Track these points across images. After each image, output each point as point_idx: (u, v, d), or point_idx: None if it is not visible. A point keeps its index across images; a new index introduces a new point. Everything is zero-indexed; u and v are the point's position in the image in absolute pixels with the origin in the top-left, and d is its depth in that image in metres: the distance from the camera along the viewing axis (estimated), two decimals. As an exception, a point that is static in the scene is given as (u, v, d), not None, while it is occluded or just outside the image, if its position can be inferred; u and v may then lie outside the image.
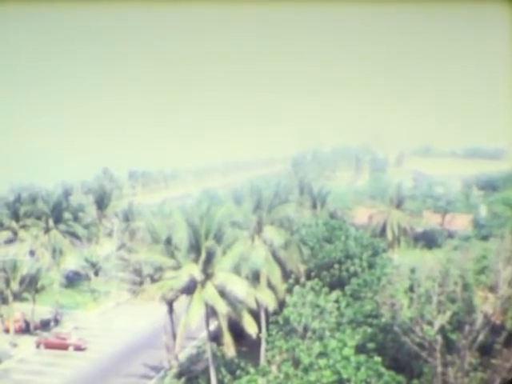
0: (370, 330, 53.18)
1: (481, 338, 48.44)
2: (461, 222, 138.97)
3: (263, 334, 57.11)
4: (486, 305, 49.94)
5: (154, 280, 54.35)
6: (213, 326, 55.00)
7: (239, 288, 45.25)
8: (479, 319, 48.21)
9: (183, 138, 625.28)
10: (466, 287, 50.48)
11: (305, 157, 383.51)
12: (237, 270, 48.47)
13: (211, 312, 47.69)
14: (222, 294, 45.61)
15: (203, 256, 46.82)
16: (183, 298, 49.14)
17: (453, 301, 49.59)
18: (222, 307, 44.72)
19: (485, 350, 50.01)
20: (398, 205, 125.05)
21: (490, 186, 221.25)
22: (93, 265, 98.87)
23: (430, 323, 48.24)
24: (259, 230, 59.18)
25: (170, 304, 58.86)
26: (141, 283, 62.84)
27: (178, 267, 47.58)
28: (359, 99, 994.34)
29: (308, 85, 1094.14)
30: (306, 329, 51.63)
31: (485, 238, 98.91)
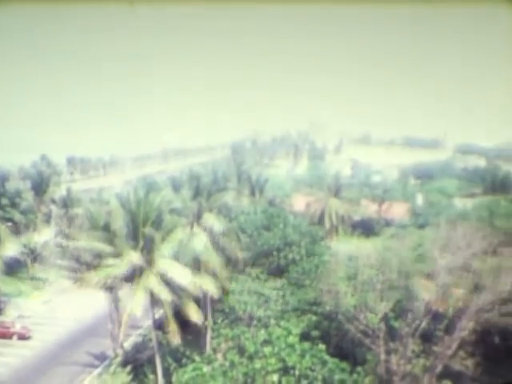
0: (314, 317, 53.66)
1: (423, 325, 49.21)
2: (398, 211, 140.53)
3: (208, 322, 57.12)
4: (426, 293, 50.68)
5: (92, 267, 53.72)
6: (158, 314, 54.70)
7: (181, 275, 44.97)
8: (420, 307, 48.92)
9: (122, 125, 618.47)
10: (406, 275, 51.16)
11: (244, 144, 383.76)
12: (176, 258, 48.22)
13: (155, 300, 47.40)
14: (165, 281, 45.28)
15: (142, 243, 46.45)
16: (128, 286, 48.73)
17: (392, 288, 50.23)
18: (165, 295, 44.38)
19: (427, 338, 50.88)
20: (336, 193, 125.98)
21: (426, 175, 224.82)
22: (31, 251, 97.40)
23: (373, 311, 48.78)
24: (198, 217, 58.94)
25: (114, 292, 58.34)
26: (80, 270, 62.12)
27: (117, 254, 47.09)
28: (298, 88, 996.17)
29: (246, 73, 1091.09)
30: (251, 317, 51.78)
31: (421, 226, 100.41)
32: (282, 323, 49.14)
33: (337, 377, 42.97)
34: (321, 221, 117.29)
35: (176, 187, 67.41)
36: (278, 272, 64.57)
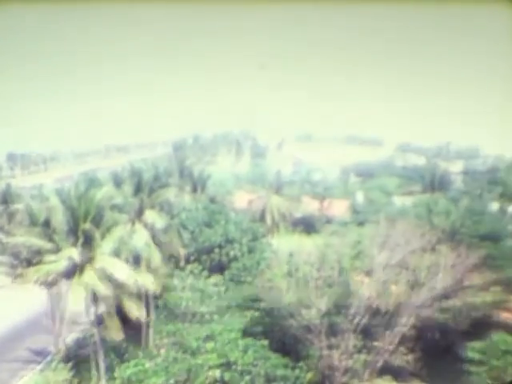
0: (256, 313, 53.85)
1: (364, 321, 49.82)
2: (338, 208, 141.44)
3: (150, 318, 57.06)
4: (366, 289, 51.28)
5: (32, 264, 53.21)
6: (100, 310, 54.45)
7: (120, 271, 44.84)
8: (360, 303, 49.50)
9: (63, 120, 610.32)
10: (342, 272, 51.70)
11: (186, 141, 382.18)
12: (117, 254, 48.06)
13: (97, 296, 47.16)
14: (104, 277, 45.10)
15: (82, 239, 46.19)
16: (68, 283, 48.34)
17: (330, 285, 50.73)
18: (104, 291, 44.19)
19: (368, 333, 51.52)
20: (278, 190, 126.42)
21: (367, 173, 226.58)
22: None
23: (309, 307, 49.16)
24: (140, 213, 58.80)
25: (54, 288, 57.82)
26: (19, 267, 61.43)
27: (56, 250, 46.77)
28: (240, 85, 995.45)
29: (190, 69, 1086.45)
30: (192, 313, 51.86)
31: (361, 223, 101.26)
32: (224, 319, 49.39)
33: (279, 372, 43.45)
34: (262, 218, 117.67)
35: (117, 183, 66.90)
36: (220, 269, 64.79)
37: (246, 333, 48.02)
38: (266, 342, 45.22)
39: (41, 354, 63.63)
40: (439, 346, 58.28)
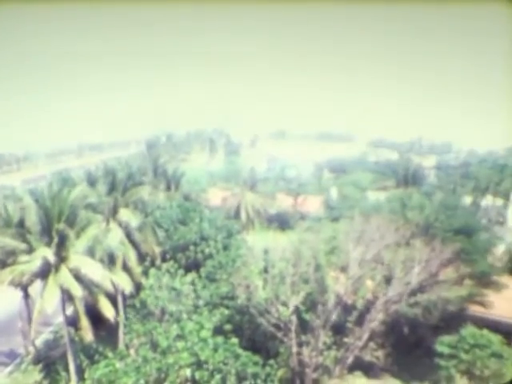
0: (226, 311, 53.79)
1: (334, 317, 50.04)
2: (312, 204, 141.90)
3: (120, 318, 56.88)
4: (337, 285, 51.52)
5: (6, 264, 52.85)
6: (70, 310, 54.15)
7: (94, 271, 44.64)
8: (331, 299, 49.70)
9: (36, 120, 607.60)
10: (317, 268, 51.83)
11: (159, 139, 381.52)
12: (91, 253, 47.90)
13: (67, 296, 46.95)
14: (77, 277, 44.90)
15: (56, 239, 45.98)
16: (41, 283, 48.08)
17: (306, 281, 50.86)
18: (77, 291, 44.01)
19: (338, 329, 51.76)
20: (252, 187, 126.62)
21: (340, 169, 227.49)
22: None
23: (285, 304, 49.28)
24: (114, 212, 58.69)
25: (25, 289, 57.50)
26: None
27: (30, 251, 46.57)
28: (212, 82, 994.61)
29: (162, 68, 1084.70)
30: (163, 312, 51.72)
31: (335, 219, 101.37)
32: (195, 317, 49.34)
33: (250, 370, 43.46)
34: (237, 215, 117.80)
35: (91, 182, 66.70)
36: (195, 266, 64.70)
37: (216, 331, 48.02)
38: (236, 340, 45.19)
39: (10, 355, 63.23)
40: (409, 341, 58.77)
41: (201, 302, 55.83)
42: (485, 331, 52.42)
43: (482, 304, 60.36)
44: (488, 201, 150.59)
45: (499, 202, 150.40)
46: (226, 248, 67.57)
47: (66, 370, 50.92)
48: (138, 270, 57.63)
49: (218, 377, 41.24)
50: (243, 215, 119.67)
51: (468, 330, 52.48)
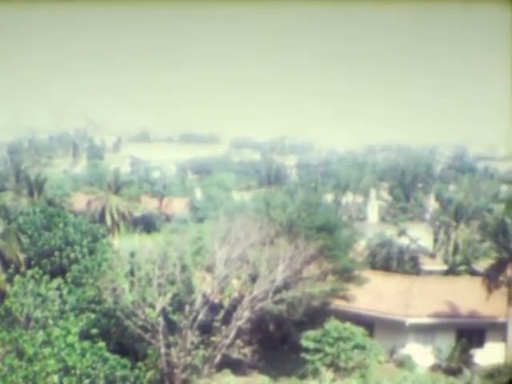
0: (93, 315, 53.58)
1: (201, 317, 50.90)
2: (177, 206, 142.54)
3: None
4: (204, 285, 52.39)
5: None
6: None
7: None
8: (198, 299, 50.52)
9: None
10: (184, 268, 52.53)
11: (21, 144, 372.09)
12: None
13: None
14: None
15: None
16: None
17: (172, 283, 51.47)
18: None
19: (205, 329, 52.61)
20: (116, 190, 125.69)
21: (204, 170, 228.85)
22: None
23: (152, 306, 49.71)
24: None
25: None
26: None
27: None
28: (72, 84, 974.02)
29: (21, 69, 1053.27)
30: (28, 318, 51.03)
31: (200, 220, 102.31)
32: (61, 323, 49.02)
33: (118, 373, 43.68)
34: (102, 219, 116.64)
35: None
36: (61, 272, 64.10)
37: (82, 336, 47.82)
38: (103, 344, 45.25)
39: None
40: (275, 338, 60.53)
41: (67, 307, 55.40)
42: (348, 324, 54.71)
43: (345, 298, 62.59)
44: (348, 198, 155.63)
45: (359, 199, 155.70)
46: (91, 252, 67.27)
47: None
48: (1, 277, 56.71)
49: (86, 381, 41.10)
50: (108, 219, 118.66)
51: (332, 324, 54.54)
